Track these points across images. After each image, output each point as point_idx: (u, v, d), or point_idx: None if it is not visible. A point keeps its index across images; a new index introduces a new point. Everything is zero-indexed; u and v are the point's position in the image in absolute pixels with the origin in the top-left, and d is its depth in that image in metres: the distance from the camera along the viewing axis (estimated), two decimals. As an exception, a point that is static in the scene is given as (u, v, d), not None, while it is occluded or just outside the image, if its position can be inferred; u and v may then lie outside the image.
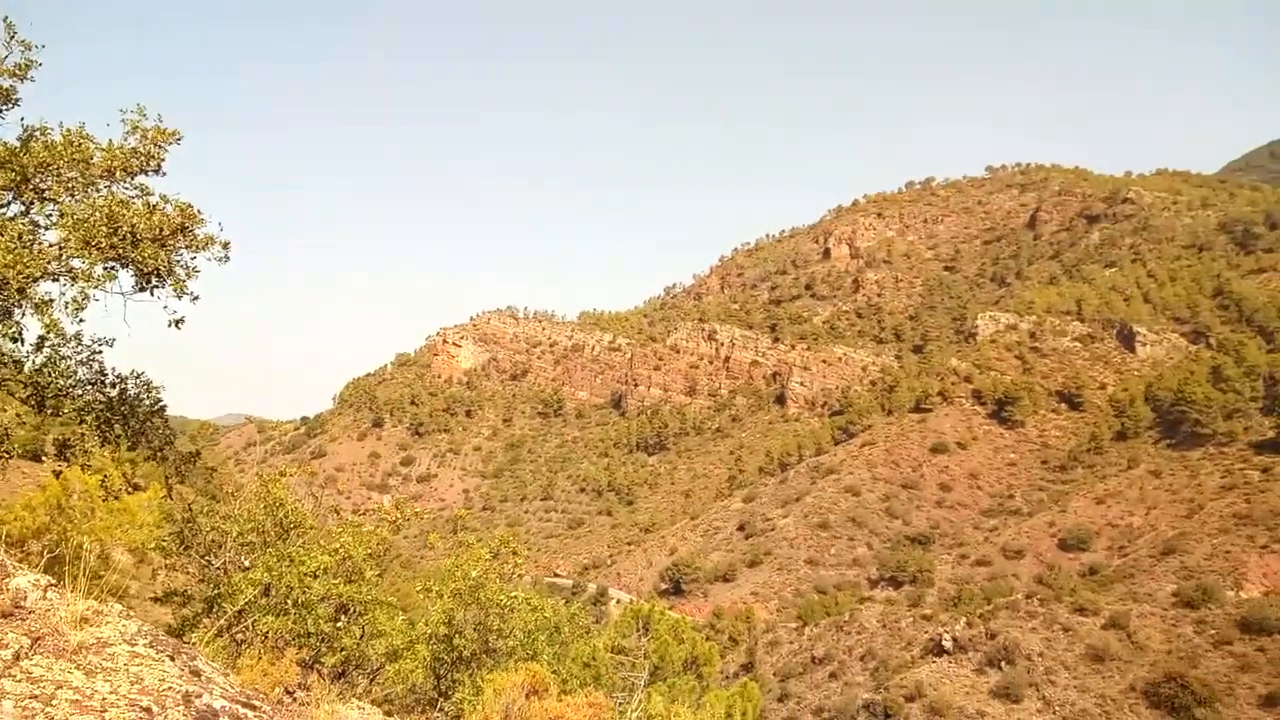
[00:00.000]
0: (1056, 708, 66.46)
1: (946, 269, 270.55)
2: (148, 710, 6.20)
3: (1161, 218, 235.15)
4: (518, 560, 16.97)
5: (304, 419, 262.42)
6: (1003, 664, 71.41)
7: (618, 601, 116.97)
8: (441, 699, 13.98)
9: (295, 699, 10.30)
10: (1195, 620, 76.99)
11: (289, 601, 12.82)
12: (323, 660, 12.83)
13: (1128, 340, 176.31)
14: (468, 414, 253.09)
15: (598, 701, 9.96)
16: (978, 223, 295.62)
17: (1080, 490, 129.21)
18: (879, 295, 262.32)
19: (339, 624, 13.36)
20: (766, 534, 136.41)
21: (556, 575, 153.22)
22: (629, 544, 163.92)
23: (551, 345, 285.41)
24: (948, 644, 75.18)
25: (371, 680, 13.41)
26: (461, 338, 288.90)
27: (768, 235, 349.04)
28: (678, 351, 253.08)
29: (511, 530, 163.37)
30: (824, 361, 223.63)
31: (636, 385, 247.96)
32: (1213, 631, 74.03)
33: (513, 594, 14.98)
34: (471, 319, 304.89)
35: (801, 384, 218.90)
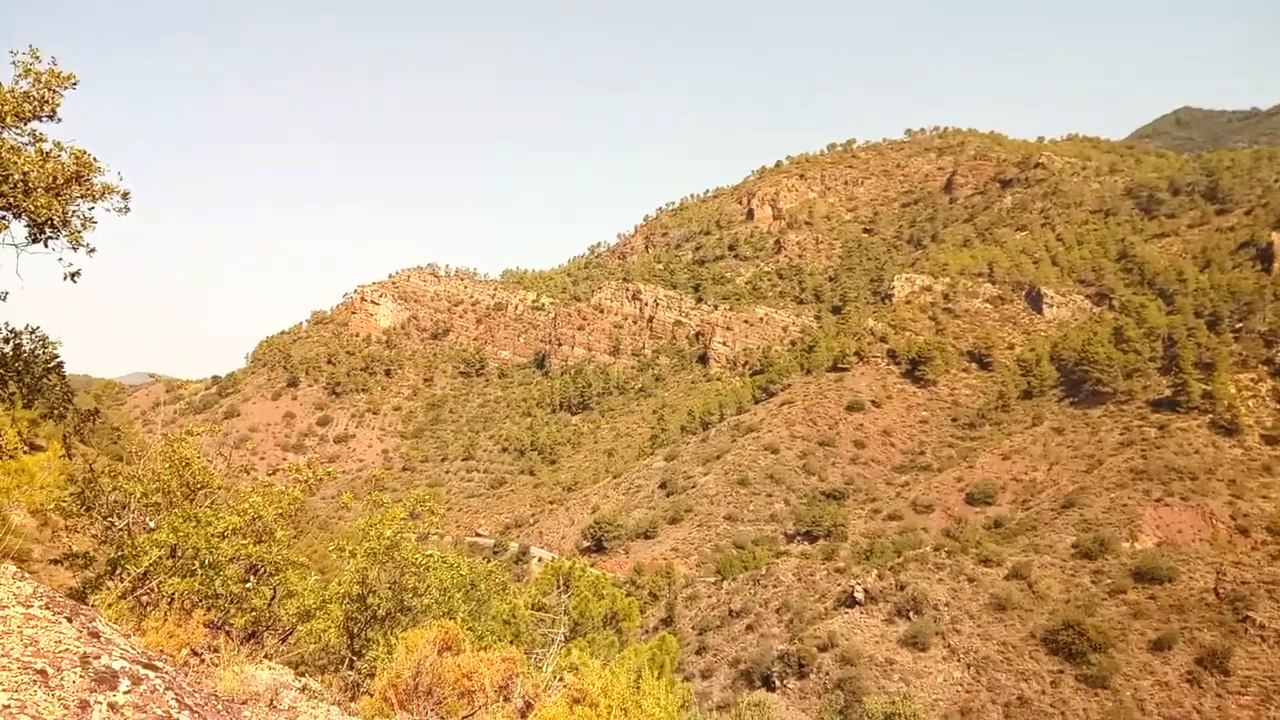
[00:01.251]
0: (961, 655, 69.48)
1: (866, 231, 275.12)
2: (42, 673, 6.05)
3: (1071, 183, 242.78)
4: (435, 519, 16.90)
5: (215, 378, 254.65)
6: (911, 614, 74.21)
7: (539, 560, 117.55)
8: (355, 658, 13.93)
9: (203, 660, 10.15)
10: (1092, 570, 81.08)
11: (196, 563, 12.55)
12: (232, 622, 12.63)
13: (1036, 302, 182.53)
14: (387, 373, 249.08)
15: (511, 656, 10.06)
16: (896, 185, 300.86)
17: (988, 447, 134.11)
18: (800, 256, 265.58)
19: (249, 585, 13.16)
20: (687, 491, 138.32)
21: (478, 535, 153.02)
22: (551, 503, 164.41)
23: (474, 304, 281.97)
24: (860, 595, 77.71)
25: (283, 641, 13.26)
26: (380, 295, 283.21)
27: (692, 195, 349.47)
28: (602, 311, 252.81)
29: (432, 490, 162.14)
30: (746, 322, 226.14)
31: (560, 345, 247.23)
32: (1108, 581, 78.10)
33: (428, 553, 14.94)
34: (391, 276, 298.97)
35: (724, 344, 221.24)
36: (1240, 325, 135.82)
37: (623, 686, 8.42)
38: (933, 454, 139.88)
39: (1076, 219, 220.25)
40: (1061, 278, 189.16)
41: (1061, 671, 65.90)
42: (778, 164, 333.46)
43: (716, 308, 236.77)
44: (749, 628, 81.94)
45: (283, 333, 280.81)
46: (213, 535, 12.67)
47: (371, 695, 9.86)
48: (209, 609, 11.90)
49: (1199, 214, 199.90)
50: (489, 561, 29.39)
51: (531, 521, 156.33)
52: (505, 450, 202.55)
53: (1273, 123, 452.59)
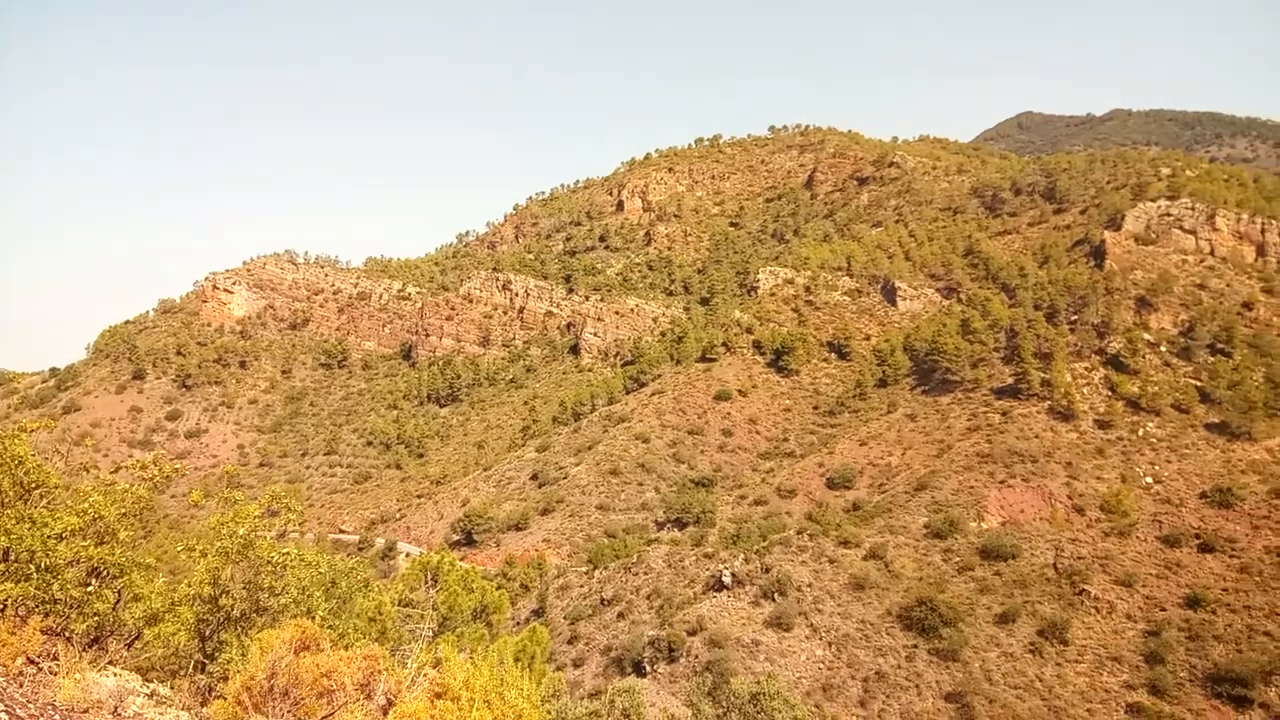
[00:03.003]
0: (823, 634, 72.23)
1: (732, 225, 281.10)
2: None
3: (922, 182, 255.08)
4: (294, 516, 16.38)
5: (53, 370, 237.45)
6: (776, 595, 76.62)
7: (407, 555, 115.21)
8: (207, 661, 13.37)
9: (41, 669, 9.57)
10: (943, 549, 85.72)
11: (32, 566, 11.78)
12: (73, 628, 11.93)
13: (890, 295, 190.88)
14: (242, 365, 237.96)
15: (374, 653, 9.90)
16: (761, 180, 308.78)
17: (846, 433, 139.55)
18: (670, 248, 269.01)
19: (90, 589, 12.44)
20: (559, 482, 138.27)
21: (342, 531, 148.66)
22: (419, 497, 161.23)
23: (335, 293, 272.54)
24: (727, 579, 79.65)
25: (129, 646, 12.61)
26: (234, 283, 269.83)
27: (563, 185, 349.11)
28: (471, 301, 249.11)
29: (291, 487, 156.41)
30: (617, 313, 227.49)
31: (428, 335, 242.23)
32: (957, 559, 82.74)
33: (285, 550, 14.47)
34: (245, 264, 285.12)
35: (595, 335, 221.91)
36: (1075, 318, 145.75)
37: (486, 679, 8.43)
38: (796, 441, 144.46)
39: (927, 216, 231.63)
40: (914, 272, 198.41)
41: (916, 646, 69.41)
42: (647, 156, 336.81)
43: (588, 299, 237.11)
44: (620, 615, 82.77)
45: (127, 322, 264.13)
46: (49, 537, 11.91)
47: (224, 699, 9.52)
48: (46, 615, 11.21)
49: (1038, 213, 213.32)
50: (353, 558, 28.66)
51: (398, 517, 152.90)
52: (370, 444, 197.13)
53: (1105, 128, 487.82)
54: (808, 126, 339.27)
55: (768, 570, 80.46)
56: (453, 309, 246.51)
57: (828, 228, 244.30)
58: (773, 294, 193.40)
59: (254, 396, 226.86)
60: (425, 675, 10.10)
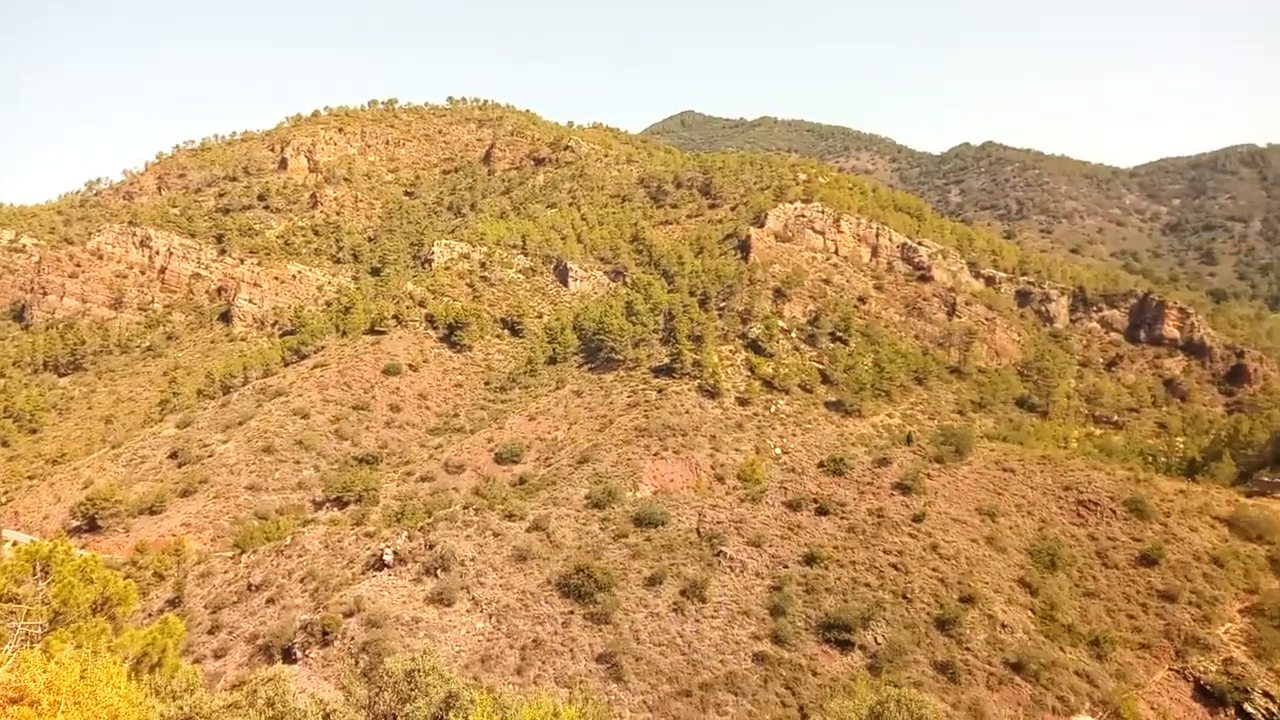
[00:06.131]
0: (484, 606, 73.04)
1: (407, 194, 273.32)
2: None
3: (595, 168, 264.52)
4: None
5: None
6: (439, 571, 76.23)
7: (15, 544, 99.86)
8: None
9: None
10: (601, 518, 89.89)
11: None
12: None
13: (563, 275, 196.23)
14: None
15: (-65, 659, 8.41)
16: (438, 151, 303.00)
17: (516, 409, 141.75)
18: (338, 213, 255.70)
19: None
20: (203, 461, 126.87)
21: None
22: (31, 478, 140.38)
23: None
24: (389, 558, 77.91)
25: None
26: None
27: (217, 136, 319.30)
28: (101, 257, 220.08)
29: None
30: (276, 278, 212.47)
31: (46, 294, 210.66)
32: (614, 527, 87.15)
33: None
34: None
35: (250, 301, 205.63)
36: (724, 305, 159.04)
37: (72, 679, 7.46)
38: (466, 416, 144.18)
39: (599, 201, 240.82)
40: (585, 254, 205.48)
41: (572, 612, 72.34)
42: (315, 114, 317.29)
43: (243, 261, 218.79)
44: (270, 601, 77.98)
45: None
46: None
47: None
48: None
49: (696, 206, 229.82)
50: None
51: (4, 501, 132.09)
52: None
53: (755, 132, 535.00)
54: (486, 101, 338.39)
55: (432, 546, 79.78)
56: (78, 265, 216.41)
57: (505, 205, 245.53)
58: (448, 268, 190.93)
59: None
60: None
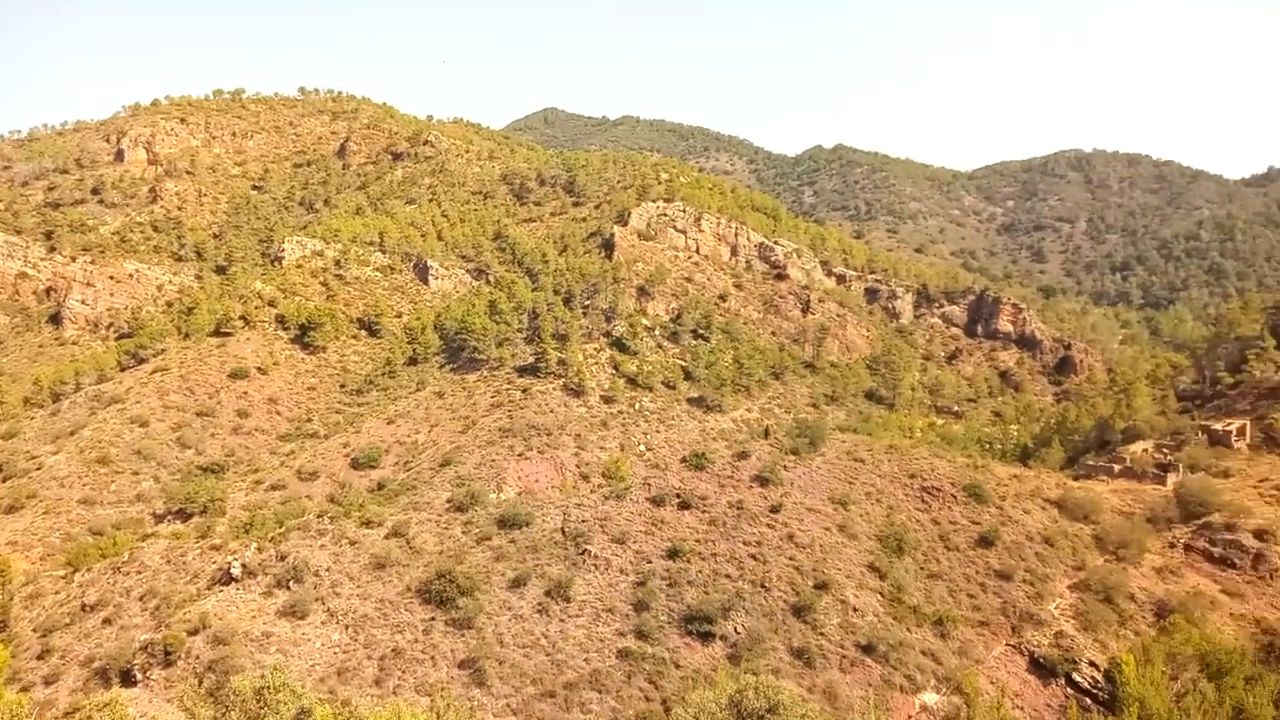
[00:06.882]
0: (340, 617, 70.63)
1: (255, 188, 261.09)
2: None
3: (456, 163, 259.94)
4: None
5: None
6: (291, 583, 73.27)
7: None
8: None
9: None
10: (464, 521, 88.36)
11: None
12: None
13: (423, 273, 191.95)
14: None
15: None
16: (289, 144, 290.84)
17: (374, 412, 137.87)
18: (180, 208, 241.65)
19: None
20: (30, 474, 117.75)
21: None
22: None
23: None
24: (237, 571, 74.35)
25: None
26: None
27: (46, 126, 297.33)
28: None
29: None
30: (112, 278, 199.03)
31: None
32: (477, 530, 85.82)
33: None
34: None
35: (83, 302, 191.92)
36: (588, 303, 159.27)
37: None
38: (320, 421, 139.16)
39: (460, 198, 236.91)
40: (446, 252, 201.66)
41: (433, 619, 70.83)
42: (155, 103, 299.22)
43: (75, 260, 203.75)
44: (107, 621, 73.07)
45: None
46: None
47: None
48: None
49: (560, 204, 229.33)
50: None
51: None
52: None
53: (618, 131, 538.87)
54: (340, 93, 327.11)
55: (284, 558, 76.58)
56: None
57: (361, 200, 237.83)
58: (299, 265, 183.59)
59: None
60: None
